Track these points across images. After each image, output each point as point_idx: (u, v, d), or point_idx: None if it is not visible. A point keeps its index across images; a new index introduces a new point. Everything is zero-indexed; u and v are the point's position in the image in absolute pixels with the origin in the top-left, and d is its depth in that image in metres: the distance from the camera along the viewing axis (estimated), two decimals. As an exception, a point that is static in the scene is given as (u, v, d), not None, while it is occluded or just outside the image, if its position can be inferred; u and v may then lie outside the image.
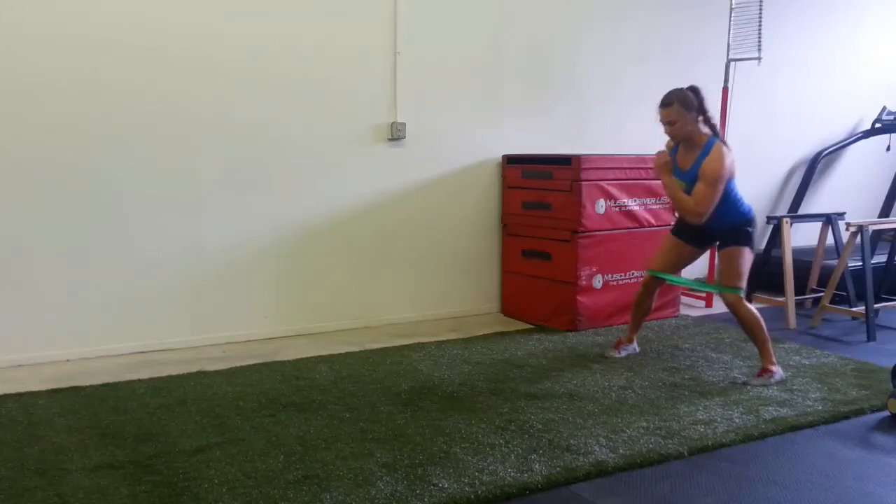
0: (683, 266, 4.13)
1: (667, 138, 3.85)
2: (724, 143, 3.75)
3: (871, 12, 6.89)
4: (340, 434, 3.01)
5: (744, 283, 3.78)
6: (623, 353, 4.16)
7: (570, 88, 5.35)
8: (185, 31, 4.08)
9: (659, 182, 4.31)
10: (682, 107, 3.67)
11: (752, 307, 3.82)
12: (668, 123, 3.72)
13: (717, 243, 3.89)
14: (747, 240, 3.78)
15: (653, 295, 4.14)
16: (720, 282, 3.84)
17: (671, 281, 4.11)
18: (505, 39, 5.07)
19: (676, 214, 4.03)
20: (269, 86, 4.34)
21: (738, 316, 3.79)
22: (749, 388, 3.65)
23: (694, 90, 3.72)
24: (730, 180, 3.72)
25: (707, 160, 3.65)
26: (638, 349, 4.22)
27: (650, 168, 4.27)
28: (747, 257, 3.79)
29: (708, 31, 5.78)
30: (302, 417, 3.19)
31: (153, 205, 4.11)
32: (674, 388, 3.63)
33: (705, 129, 3.74)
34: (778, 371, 3.77)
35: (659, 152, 3.91)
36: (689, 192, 3.76)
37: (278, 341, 4.42)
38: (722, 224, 3.77)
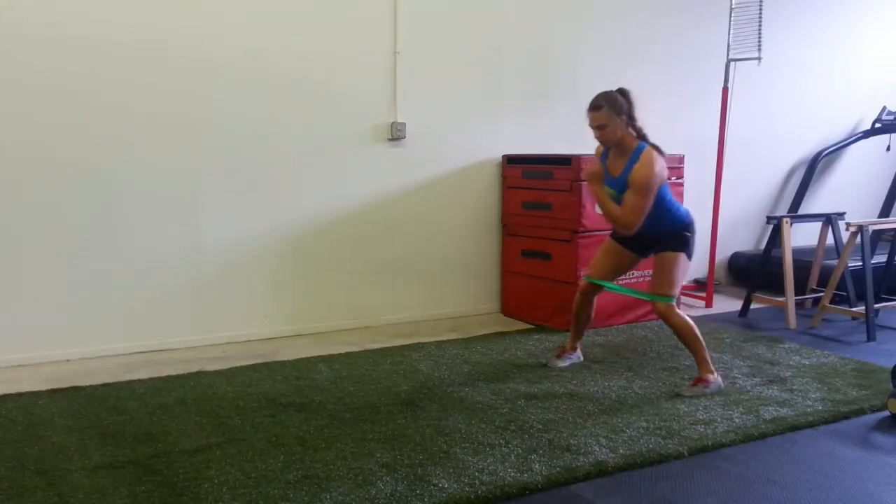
0: (623, 272, 3.91)
1: (597, 144, 3.65)
2: (656, 147, 3.51)
3: (871, 12, 6.89)
4: (340, 434, 3.01)
5: (675, 291, 3.57)
6: (567, 363, 3.97)
7: (570, 88, 5.34)
8: (185, 31, 4.09)
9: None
10: (612, 110, 3.46)
11: (685, 315, 3.60)
12: (598, 128, 3.49)
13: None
14: (683, 245, 3.57)
15: (592, 302, 3.92)
16: (650, 289, 3.64)
17: (608, 288, 3.90)
18: (505, 39, 5.07)
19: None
20: (269, 86, 4.34)
21: (670, 325, 3.59)
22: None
23: (623, 93, 3.52)
24: (662, 186, 3.51)
25: (636, 167, 3.43)
26: (582, 358, 4.03)
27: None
28: (682, 264, 3.57)
29: (708, 31, 5.77)
30: (302, 417, 3.19)
31: (153, 205, 4.11)
32: (674, 387, 3.63)
33: (634, 134, 3.53)
34: (715, 380, 3.58)
35: (590, 160, 3.73)
36: (619, 199, 3.54)
37: (278, 341, 4.42)
38: (658, 230, 3.58)
